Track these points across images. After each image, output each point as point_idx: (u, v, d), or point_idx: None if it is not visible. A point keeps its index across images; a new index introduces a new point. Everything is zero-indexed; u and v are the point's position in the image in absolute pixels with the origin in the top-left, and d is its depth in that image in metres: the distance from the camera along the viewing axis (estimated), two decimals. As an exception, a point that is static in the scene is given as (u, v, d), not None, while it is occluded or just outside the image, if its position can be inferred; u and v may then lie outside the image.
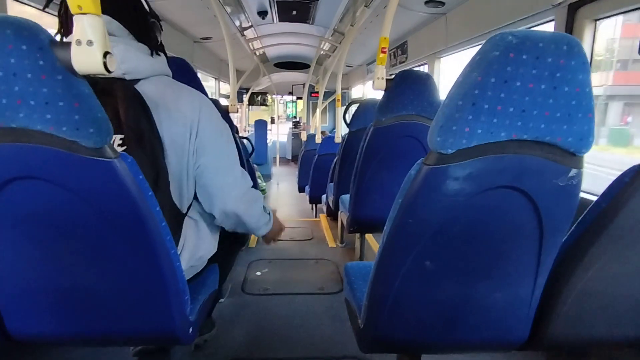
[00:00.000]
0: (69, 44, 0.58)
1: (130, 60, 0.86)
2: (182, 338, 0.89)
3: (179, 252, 0.95)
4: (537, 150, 0.68)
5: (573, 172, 0.70)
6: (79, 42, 0.57)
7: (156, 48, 0.94)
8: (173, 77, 1.00)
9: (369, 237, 2.78)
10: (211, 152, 0.96)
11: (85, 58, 0.57)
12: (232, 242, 1.30)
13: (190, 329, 0.90)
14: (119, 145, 0.83)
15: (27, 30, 0.59)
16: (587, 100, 0.66)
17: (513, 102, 0.64)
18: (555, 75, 0.64)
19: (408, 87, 1.62)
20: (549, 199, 0.72)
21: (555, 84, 0.64)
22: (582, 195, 0.74)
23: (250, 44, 4.44)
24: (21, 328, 0.84)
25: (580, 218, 0.80)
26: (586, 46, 1.49)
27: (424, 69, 3.12)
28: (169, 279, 0.80)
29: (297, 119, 8.78)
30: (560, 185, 0.70)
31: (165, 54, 0.99)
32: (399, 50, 3.61)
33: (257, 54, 5.21)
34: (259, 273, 2.14)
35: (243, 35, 3.91)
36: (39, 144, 0.63)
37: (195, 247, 0.99)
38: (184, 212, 0.96)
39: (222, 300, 1.76)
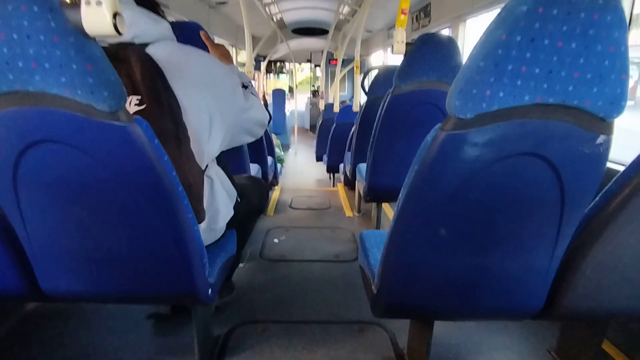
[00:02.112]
0: (78, 4, 0.57)
1: (139, 24, 0.86)
2: (202, 299, 0.92)
3: None
4: (563, 115, 0.64)
5: (601, 138, 0.66)
6: (88, 2, 0.56)
7: (158, 13, 0.94)
8: (187, 43, 0.99)
9: (385, 206, 2.77)
10: (235, 107, 1.02)
11: (95, 19, 0.56)
12: (250, 209, 1.32)
13: (210, 291, 0.94)
14: (136, 104, 0.84)
15: None
16: (622, 60, 0.61)
17: (539, 62, 0.60)
18: (588, 32, 0.59)
19: (429, 51, 1.55)
20: (573, 168, 0.68)
21: (588, 42, 0.59)
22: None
23: (267, 8, 4.31)
24: (52, 286, 0.89)
25: (605, 188, 0.76)
26: (626, 4, 1.37)
27: (448, 33, 2.97)
28: (188, 242, 0.82)
29: (315, 88, 8.63)
30: (586, 152, 0.67)
31: (167, 20, 0.99)
32: (422, 13, 3.43)
33: (275, 19, 5.06)
34: (276, 240, 2.18)
35: None
36: (56, 107, 0.64)
37: (210, 205, 1.01)
38: (203, 168, 0.97)
39: (241, 265, 1.82)
